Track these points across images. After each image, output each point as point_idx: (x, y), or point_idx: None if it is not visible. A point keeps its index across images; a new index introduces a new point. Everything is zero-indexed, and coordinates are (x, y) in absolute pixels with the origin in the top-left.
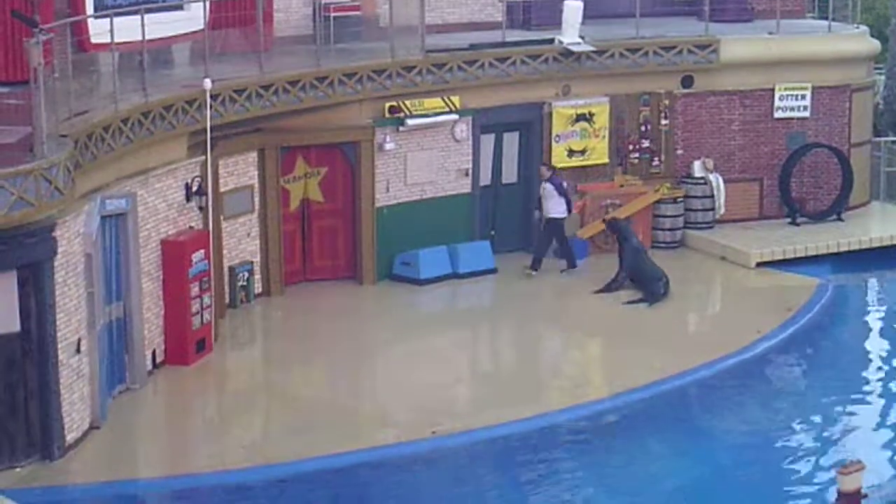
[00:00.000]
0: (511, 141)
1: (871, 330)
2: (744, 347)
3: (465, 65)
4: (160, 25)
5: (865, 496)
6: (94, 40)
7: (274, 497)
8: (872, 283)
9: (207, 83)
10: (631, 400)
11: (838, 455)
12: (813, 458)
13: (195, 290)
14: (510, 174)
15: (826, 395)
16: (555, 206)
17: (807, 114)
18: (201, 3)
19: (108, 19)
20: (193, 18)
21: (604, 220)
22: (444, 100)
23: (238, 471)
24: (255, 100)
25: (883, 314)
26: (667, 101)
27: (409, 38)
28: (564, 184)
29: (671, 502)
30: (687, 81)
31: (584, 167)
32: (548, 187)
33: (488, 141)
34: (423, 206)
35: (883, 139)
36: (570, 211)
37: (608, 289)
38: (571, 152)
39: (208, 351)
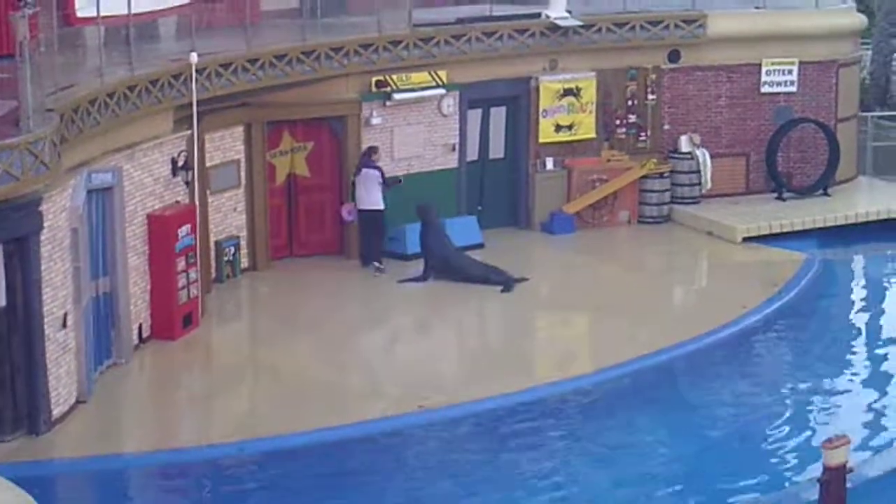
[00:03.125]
0: (498, 116)
1: (857, 305)
2: (730, 322)
3: (452, 39)
4: None
5: (851, 470)
6: (79, 14)
7: (261, 471)
8: (859, 257)
9: (193, 57)
10: (617, 374)
11: (824, 429)
12: (798, 433)
13: (181, 264)
14: (497, 149)
15: (811, 369)
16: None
17: (794, 88)
18: None
19: None
20: None
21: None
22: (430, 74)
23: (225, 445)
24: (242, 74)
25: (869, 289)
26: (654, 76)
27: (395, 12)
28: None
29: (657, 476)
30: (674, 56)
31: (571, 142)
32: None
33: (475, 116)
34: (409, 180)
35: (869, 114)
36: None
37: (417, 279)
38: (558, 127)
39: (195, 326)
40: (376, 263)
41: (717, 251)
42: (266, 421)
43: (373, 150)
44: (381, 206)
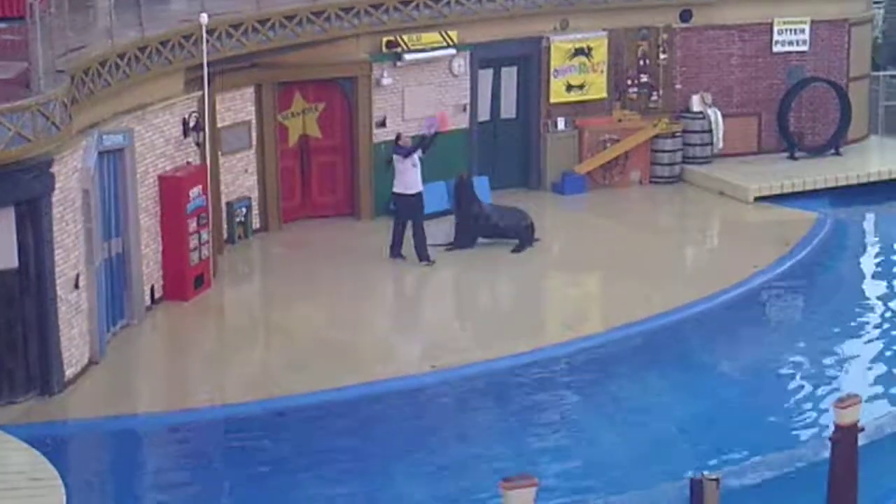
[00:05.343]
0: (509, 76)
1: (868, 264)
2: (741, 282)
3: None
4: None
5: (862, 429)
6: None
7: (273, 431)
8: (870, 217)
9: (204, 18)
10: (629, 334)
11: (835, 388)
12: (810, 392)
13: (193, 225)
14: (508, 110)
15: (823, 328)
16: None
17: (805, 48)
18: None
19: None
20: None
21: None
22: (441, 34)
23: (237, 405)
24: (252, 35)
25: (880, 248)
26: (665, 36)
27: None
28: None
29: (668, 435)
30: (685, 15)
31: (582, 102)
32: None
33: (486, 76)
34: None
35: (881, 73)
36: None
37: (451, 246)
38: (570, 87)
39: (206, 287)
40: (424, 263)
41: (728, 211)
42: (278, 381)
43: (398, 137)
44: (413, 190)
